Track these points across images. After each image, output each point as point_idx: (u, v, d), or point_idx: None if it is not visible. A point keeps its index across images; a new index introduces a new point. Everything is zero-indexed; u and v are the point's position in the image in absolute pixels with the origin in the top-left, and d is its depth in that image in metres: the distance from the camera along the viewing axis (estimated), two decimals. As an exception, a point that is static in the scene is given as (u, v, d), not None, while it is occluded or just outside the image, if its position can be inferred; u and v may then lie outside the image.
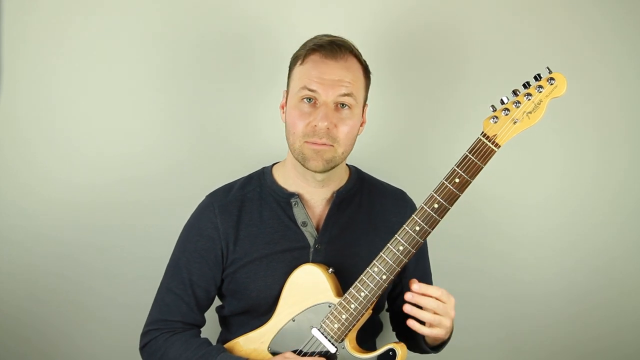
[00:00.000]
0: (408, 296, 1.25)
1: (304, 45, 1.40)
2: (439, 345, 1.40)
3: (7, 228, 1.78)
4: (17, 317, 1.80)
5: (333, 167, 1.38)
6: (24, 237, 1.78)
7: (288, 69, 1.43)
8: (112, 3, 1.73)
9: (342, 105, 1.35)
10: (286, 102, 1.42)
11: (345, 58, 1.36)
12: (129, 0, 1.74)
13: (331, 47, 1.35)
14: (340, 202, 1.45)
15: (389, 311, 1.60)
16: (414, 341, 1.41)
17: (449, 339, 1.38)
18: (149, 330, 1.45)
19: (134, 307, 1.75)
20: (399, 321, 1.50)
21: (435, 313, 1.26)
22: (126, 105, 1.78)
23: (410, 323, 1.26)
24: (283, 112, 1.43)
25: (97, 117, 1.77)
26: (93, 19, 1.73)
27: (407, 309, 1.26)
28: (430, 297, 1.25)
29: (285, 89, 1.44)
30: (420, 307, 1.26)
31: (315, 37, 1.40)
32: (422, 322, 1.28)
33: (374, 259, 1.28)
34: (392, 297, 1.55)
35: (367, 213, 1.48)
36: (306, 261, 1.40)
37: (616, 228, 1.82)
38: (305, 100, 1.35)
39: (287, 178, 1.45)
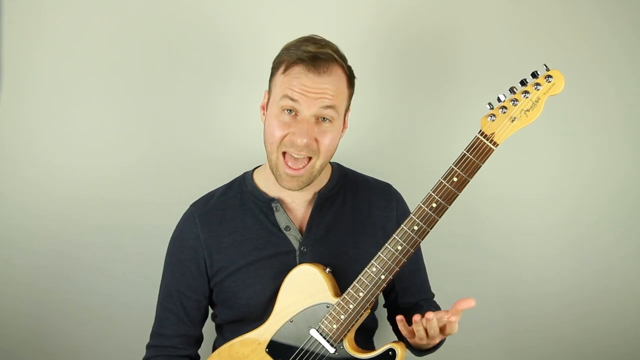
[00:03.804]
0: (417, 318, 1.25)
1: (287, 50, 1.35)
2: (427, 350, 1.38)
3: (7, 228, 1.78)
4: (17, 317, 1.81)
5: (310, 183, 1.37)
6: (24, 237, 1.78)
7: (271, 69, 1.39)
8: (110, 4, 1.73)
9: (323, 119, 1.33)
10: (267, 104, 1.39)
11: (329, 71, 1.31)
12: (128, 2, 1.73)
13: (314, 61, 1.30)
14: (323, 202, 1.43)
15: (386, 306, 1.58)
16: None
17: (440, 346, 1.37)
18: (150, 346, 1.46)
19: (134, 307, 1.76)
20: (393, 312, 1.52)
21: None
22: (126, 105, 1.78)
23: (400, 325, 1.28)
24: (263, 114, 1.41)
25: (96, 117, 1.77)
26: (93, 20, 1.73)
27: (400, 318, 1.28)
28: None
29: (267, 89, 1.41)
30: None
31: (300, 43, 1.34)
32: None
33: (370, 259, 1.27)
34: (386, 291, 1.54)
35: (352, 211, 1.45)
36: (293, 265, 1.38)
37: (616, 227, 1.81)
38: (286, 111, 1.32)
39: (268, 182, 1.43)
